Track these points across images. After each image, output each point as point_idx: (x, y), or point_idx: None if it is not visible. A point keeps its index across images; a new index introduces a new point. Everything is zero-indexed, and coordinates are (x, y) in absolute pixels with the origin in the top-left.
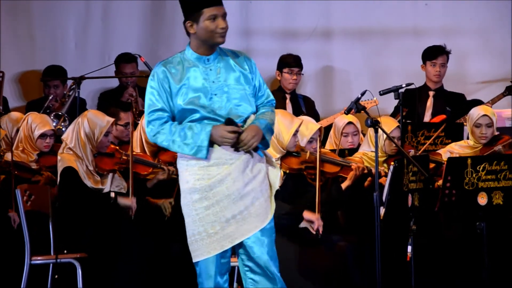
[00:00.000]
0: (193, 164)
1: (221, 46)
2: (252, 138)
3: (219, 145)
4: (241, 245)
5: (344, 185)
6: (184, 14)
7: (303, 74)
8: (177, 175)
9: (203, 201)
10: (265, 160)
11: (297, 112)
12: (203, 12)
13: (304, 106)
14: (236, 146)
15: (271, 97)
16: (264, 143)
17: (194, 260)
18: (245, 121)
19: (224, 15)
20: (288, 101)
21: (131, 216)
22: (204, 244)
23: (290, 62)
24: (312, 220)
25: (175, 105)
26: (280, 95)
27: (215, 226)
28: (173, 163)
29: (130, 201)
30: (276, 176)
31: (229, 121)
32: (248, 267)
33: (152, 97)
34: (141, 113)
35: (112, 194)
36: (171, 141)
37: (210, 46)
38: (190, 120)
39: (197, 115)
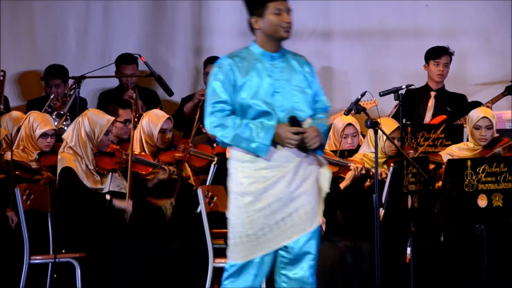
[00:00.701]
0: (248, 166)
1: (286, 48)
2: (314, 138)
3: (282, 146)
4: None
5: (342, 185)
6: (249, 10)
7: None
8: (178, 175)
9: (256, 204)
10: (317, 163)
11: None
12: (268, 6)
13: None
14: (299, 146)
15: (327, 103)
16: (321, 147)
17: (234, 261)
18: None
19: (288, 10)
20: None
21: (125, 218)
22: (250, 246)
23: None
24: None
25: (237, 99)
26: None
27: (264, 228)
28: (173, 163)
29: (125, 204)
30: (327, 180)
31: (293, 120)
32: (285, 266)
33: (217, 88)
34: (141, 115)
35: (108, 196)
36: (232, 135)
37: (275, 41)
38: (250, 115)
39: (257, 111)
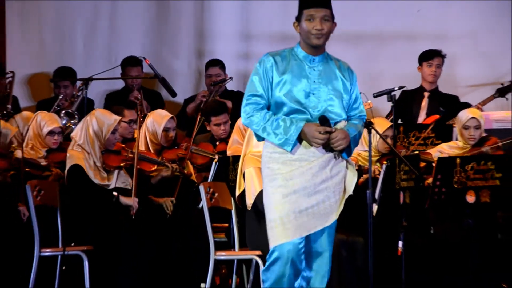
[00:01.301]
0: (277, 157)
1: (330, 53)
2: (341, 140)
3: (309, 144)
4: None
5: None
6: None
7: None
8: (180, 172)
9: (282, 189)
10: (346, 165)
11: None
12: (303, 12)
13: None
14: (325, 145)
15: (364, 112)
16: (348, 151)
17: (270, 246)
18: (334, 125)
19: (323, 17)
20: None
21: (131, 216)
22: (278, 231)
23: None
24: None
25: (273, 95)
26: None
27: (290, 215)
28: (175, 160)
29: (131, 201)
30: (352, 182)
31: (323, 120)
32: (305, 253)
33: (255, 82)
34: (146, 115)
35: (115, 193)
36: (262, 127)
37: (311, 46)
38: (283, 112)
39: (291, 109)
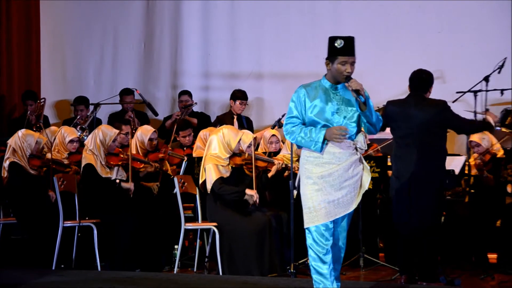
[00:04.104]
0: (311, 160)
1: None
2: (356, 82)
3: (332, 143)
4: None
5: (269, 174)
6: (327, 54)
7: (248, 105)
8: (160, 169)
9: (315, 185)
10: (363, 167)
11: (241, 127)
12: (338, 58)
13: (245, 124)
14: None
15: (380, 116)
16: (362, 93)
17: (305, 226)
18: (357, 137)
19: (352, 63)
20: (235, 120)
21: (130, 194)
22: (311, 216)
23: (240, 96)
24: (252, 194)
25: (306, 116)
26: (230, 116)
27: (321, 204)
28: (157, 161)
29: (129, 185)
30: (367, 181)
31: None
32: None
33: (291, 108)
34: (137, 129)
35: (118, 181)
36: (298, 137)
37: (337, 80)
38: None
39: (320, 125)
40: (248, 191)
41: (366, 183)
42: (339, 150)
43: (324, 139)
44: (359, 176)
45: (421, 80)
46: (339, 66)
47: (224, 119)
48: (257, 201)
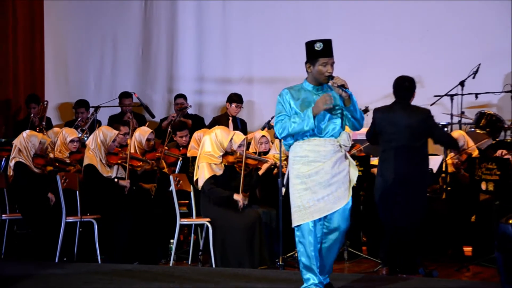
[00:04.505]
0: (298, 160)
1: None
2: (341, 79)
3: (321, 111)
4: (323, 217)
5: (260, 172)
6: (307, 58)
7: (243, 108)
8: (157, 167)
9: (303, 185)
10: (349, 163)
11: (235, 128)
12: (319, 60)
13: (240, 125)
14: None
15: (363, 114)
16: (353, 109)
17: (293, 225)
18: (341, 135)
19: (332, 63)
20: (230, 121)
21: (125, 191)
22: (301, 214)
23: (236, 99)
24: (238, 199)
25: (292, 110)
26: (225, 118)
27: (309, 202)
28: (154, 159)
29: (126, 183)
30: (355, 175)
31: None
32: (325, 231)
33: (279, 108)
34: (135, 129)
35: (116, 180)
36: (290, 127)
37: (318, 82)
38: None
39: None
40: (235, 196)
41: (354, 177)
42: (324, 148)
43: (314, 116)
44: (346, 171)
45: (404, 89)
46: (320, 68)
47: (220, 120)
48: (245, 203)
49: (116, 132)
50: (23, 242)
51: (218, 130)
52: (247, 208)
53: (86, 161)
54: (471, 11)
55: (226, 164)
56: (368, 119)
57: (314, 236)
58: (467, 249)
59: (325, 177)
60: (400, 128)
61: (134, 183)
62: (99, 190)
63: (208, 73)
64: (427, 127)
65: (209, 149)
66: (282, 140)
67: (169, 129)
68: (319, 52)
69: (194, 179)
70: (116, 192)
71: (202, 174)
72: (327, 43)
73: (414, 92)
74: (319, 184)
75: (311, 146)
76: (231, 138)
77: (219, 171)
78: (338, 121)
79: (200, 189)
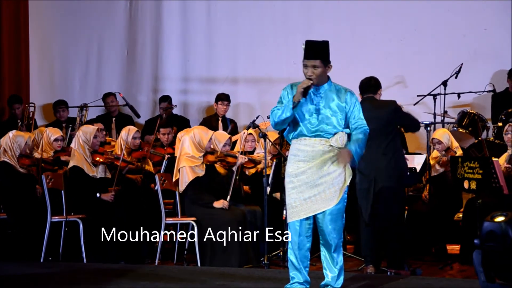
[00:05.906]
0: (291, 158)
1: (335, 82)
2: (343, 159)
3: (299, 97)
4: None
5: (234, 168)
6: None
7: (230, 106)
8: (141, 167)
9: (291, 183)
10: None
11: (225, 128)
12: (303, 61)
13: (229, 125)
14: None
15: (365, 126)
16: (353, 162)
17: (287, 222)
18: (333, 136)
19: (313, 66)
20: (220, 122)
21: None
22: (290, 212)
23: (223, 98)
24: (219, 206)
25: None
26: (215, 118)
27: (296, 201)
28: (140, 159)
29: (108, 197)
30: (349, 176)
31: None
32: (319, 231)
33: (279, 100)
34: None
35: (98, 194)
36: (276, 112)
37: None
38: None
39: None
40: (215, 204)
41: (348, 179)
42: (312, 149)
43: (295, 104)
44: (338, 172)
45: (369, 86)
46: (303, 69)
47: (210, 121)
48: (227, 207)
49: (95, 127)
50: (8, 242)
51: (197, 130)
52: (232, 207)
53: (72, 162)
54: (454, 12)
55: (207, 163)
56: None
57: (298, 235)
58: (450, 247)
59: (312, 177)
60: (371, 126)
61: (119, 182)
62: (85, 190)
63: (193, 73)
64: (396, 118)
65: (189, 151)
66: (285, 139)
67: (155, 130)
68: (304, 53)
69: (173, 179)
70: (102, 192)
71: (183, 177)
72: (310, 45)
73: (379, 89)
74: (306, 184)
75: (302, 145)
76: (211, 138)
77: (201, 172)
78: (331, 121)
79: (181, 192)
